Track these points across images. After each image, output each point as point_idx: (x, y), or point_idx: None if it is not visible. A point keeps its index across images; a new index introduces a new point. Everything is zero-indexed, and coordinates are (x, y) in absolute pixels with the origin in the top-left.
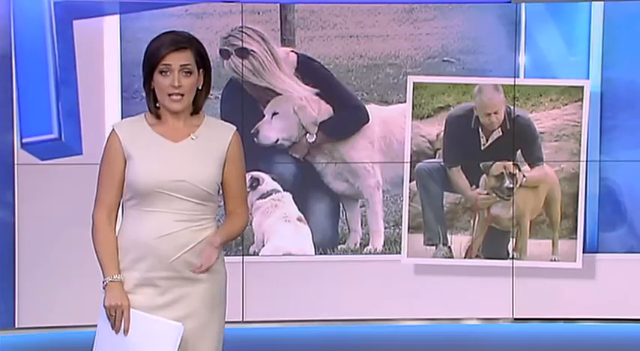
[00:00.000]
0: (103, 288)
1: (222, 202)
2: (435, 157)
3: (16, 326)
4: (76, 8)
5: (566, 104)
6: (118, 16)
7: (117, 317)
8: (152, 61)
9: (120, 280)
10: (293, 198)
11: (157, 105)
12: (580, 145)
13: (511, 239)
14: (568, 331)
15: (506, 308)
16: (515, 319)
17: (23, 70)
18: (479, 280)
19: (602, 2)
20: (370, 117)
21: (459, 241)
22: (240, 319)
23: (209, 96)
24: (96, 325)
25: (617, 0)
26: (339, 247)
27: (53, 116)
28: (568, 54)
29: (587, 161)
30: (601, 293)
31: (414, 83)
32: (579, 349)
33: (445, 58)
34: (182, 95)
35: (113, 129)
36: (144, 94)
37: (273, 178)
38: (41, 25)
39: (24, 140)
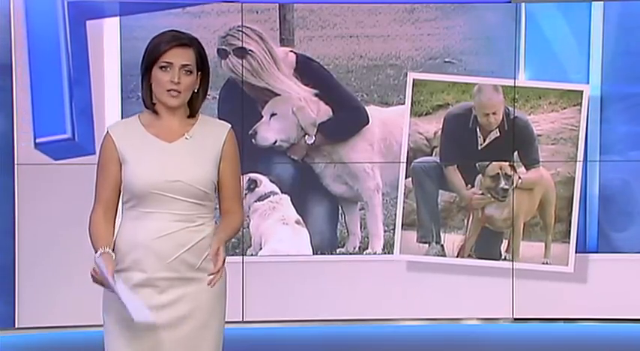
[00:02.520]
0: (96, 260)
1: (217, 202)
2: (431, 155)
3: (16, 326)
4: (90, 8)
5: (564, 108)
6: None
7: (101, 280)
8: (153, 56)
9: (109, 252)
10: (291, 200)
11: (154, 101)
12: (577, 150)
13: (504, 240)
14: (568, 331)
15: (506, 308)
16: (515, 319)
17: (37, 70)
18: (478, 280)
19: (602, 2)
20: (370, 118)
21: (452, 239)
22: (240, 319)
23: (206, 96)
24: (95, 326)
25: (617, 0)
26: (337, 250)
27: (66, 116)
28: (568, 55)
29: (584, 162)
30: (600, 294)
31: (413, 80)
32: (579, 349)
33: (447, 60)
34: (179, 92)
35: (108, 131)
36: (139, 94)
37: (271, 180)
38: (55, 25)
39: (37, 140)
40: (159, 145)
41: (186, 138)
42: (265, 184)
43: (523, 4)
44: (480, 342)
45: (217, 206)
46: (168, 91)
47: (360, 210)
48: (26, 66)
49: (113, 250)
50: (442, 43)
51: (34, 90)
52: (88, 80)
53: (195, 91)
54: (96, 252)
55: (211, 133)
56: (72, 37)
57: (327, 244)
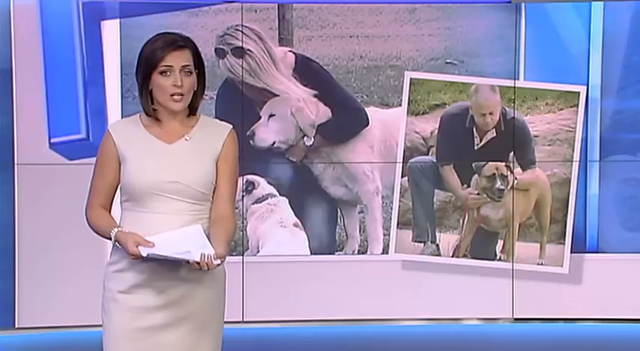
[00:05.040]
0: (115, 243)
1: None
2: (428, 154)
3: (16, 326)
4: (104, 8)
5: (561, 109)
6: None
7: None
8: (151, 62)
9: (121, 229)
10: (289, 203)
11: (154, 107)
12: (573, 151)
13: (499, 241)
14: (568, 331)
15: (506, 308)
16: (516, 319)
17: (51, 70)
18: (475, 280)
19: (602, 2)
20: (370, 120)
21: (447, 239)
22: (240, 319)
23: (204, 97)
24: (95, 326)
25: (617, 0)
26: (336, 253)
27: (81, 116)
28: (568, 55)
29: (580, 163)
30: (595, 294)
31: (410, 79)
32: (579, 349)
33: (448, 61)
34: (183, 95)
35: (108, 130)
36: (135, 94)
37: (268, 182)
38: (69, 26)
39: (52, 140)
40: (159, 146)
41: (186, 139)
42: (263, 186)
43: (523, 4)
44: (480, 342)
45: None
46: (172, 95)
47: (359, 213)
48: (41, 66)
49: (112, 250)
50: (443, 43)
51: (49, 90)
52: (102, 80)
53: (194, 89)
54: (107, 231)
55: (212, 134)
56: (86, 37)
57: (326, 247)
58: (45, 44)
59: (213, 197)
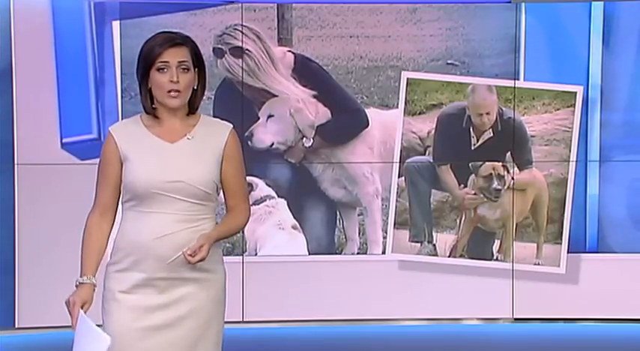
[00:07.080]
0: (75, 286)
1: (224, 201)
2: (424, 154)
3: (16, 326)
4: (116, 9)
5: (558, 109)
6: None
7: (70, 312)
8: (149, 59)
9: (92, 283)
10: (288, 204)
11: (154, 105)
12: (570, 151)
13: (496, 241)
14: (568, 331)
15: (506, 308)
16: (516, 319)
17: (63, 70)
18: (473, 280)
19: (602, 2)
20: (370, 121)
21: (444, 239)
22: (240, 319)
23: (204, 93)
24: (96, 326)
25: (617, 0)
26: (335, 256)
27: (93, 116)
28: (568, 55)
29: (577, 163)
30: (592, 293)
31: (407, 79)
32: (580, 349)
33: (449, 61)
34: (180, 92)
35: (109, 131)
36: (132, 94)
37: (267, 184)
38: (81, 26)
39: (64, 140)
40: (161, 145)
41: (188, 138)
42: (261, 188)
43: (523, 4)
44: (480, 342)
45: (222, 205)
46: (169, 92)
47: (358, 215)
48: (53, 66)
49: (113, 250)
50: (444, 44)
51: (61, 90)
52: (114, 80)
53: (195, 87)
54: (80, 270)
55: (213, 134)
56: (98, 37)
57: (325, 249)
58: (57, 44)
59: (215, 197)
